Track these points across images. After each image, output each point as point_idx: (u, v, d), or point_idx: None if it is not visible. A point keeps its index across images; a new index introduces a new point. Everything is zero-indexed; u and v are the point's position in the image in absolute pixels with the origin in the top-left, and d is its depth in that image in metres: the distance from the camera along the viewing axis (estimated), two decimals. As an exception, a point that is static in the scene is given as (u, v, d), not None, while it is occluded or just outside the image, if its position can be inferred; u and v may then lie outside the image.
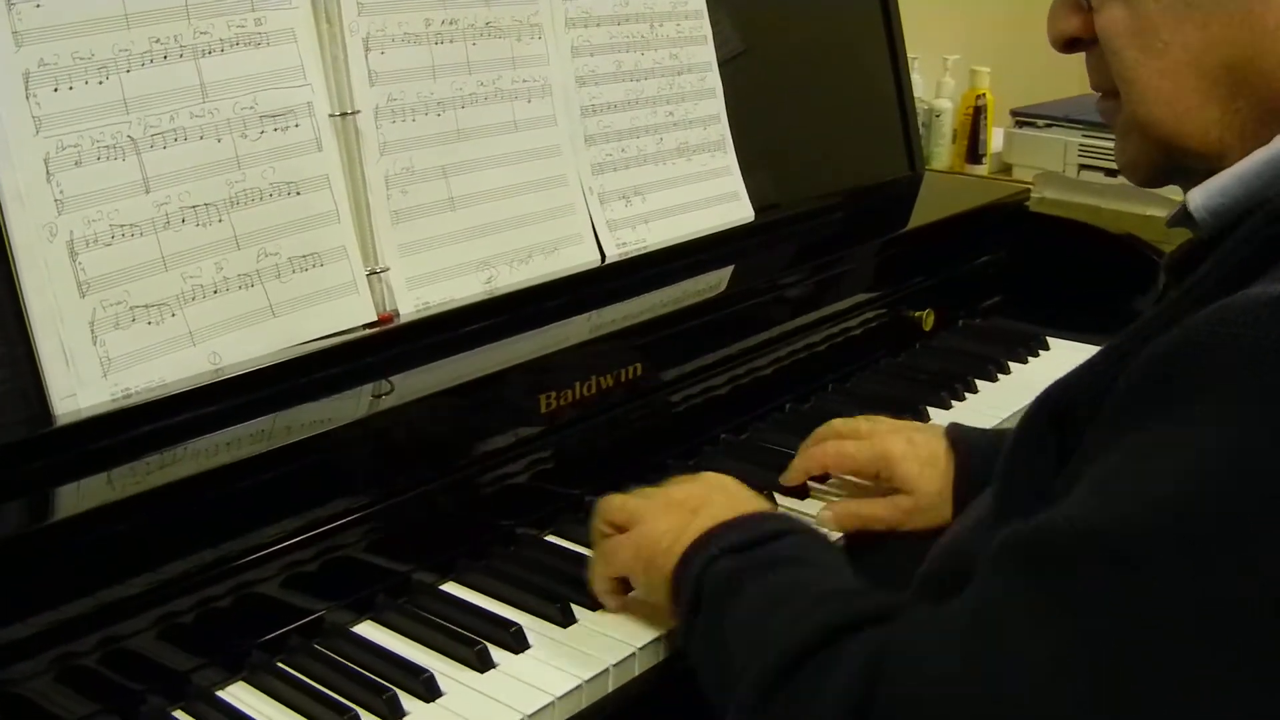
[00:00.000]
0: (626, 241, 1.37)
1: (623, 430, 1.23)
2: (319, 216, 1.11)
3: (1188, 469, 0.62)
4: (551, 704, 0.91)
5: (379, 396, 1.06)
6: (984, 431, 1.20)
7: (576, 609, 1.01)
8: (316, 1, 1.12)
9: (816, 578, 0.87)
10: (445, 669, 0.94)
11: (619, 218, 1.37)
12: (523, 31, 1.29)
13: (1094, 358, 0.76)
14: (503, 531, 1.12)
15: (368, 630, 1.00)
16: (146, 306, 0.99)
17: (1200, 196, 0.75)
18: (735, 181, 1.51)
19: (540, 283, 1.25)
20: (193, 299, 1.02)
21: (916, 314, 1.61)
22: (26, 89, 0.94)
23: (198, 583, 0.91)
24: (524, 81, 1.29)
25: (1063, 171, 2.50)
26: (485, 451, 1.10)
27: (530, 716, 0.90)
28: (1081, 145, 2.48)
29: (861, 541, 1.17)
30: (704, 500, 0.98)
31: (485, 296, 1.21)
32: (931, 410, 1.42)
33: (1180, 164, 0.79)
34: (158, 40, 1.01)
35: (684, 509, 0.97)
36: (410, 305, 1.17)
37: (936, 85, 2.61)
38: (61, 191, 0.95)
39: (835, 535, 1.16)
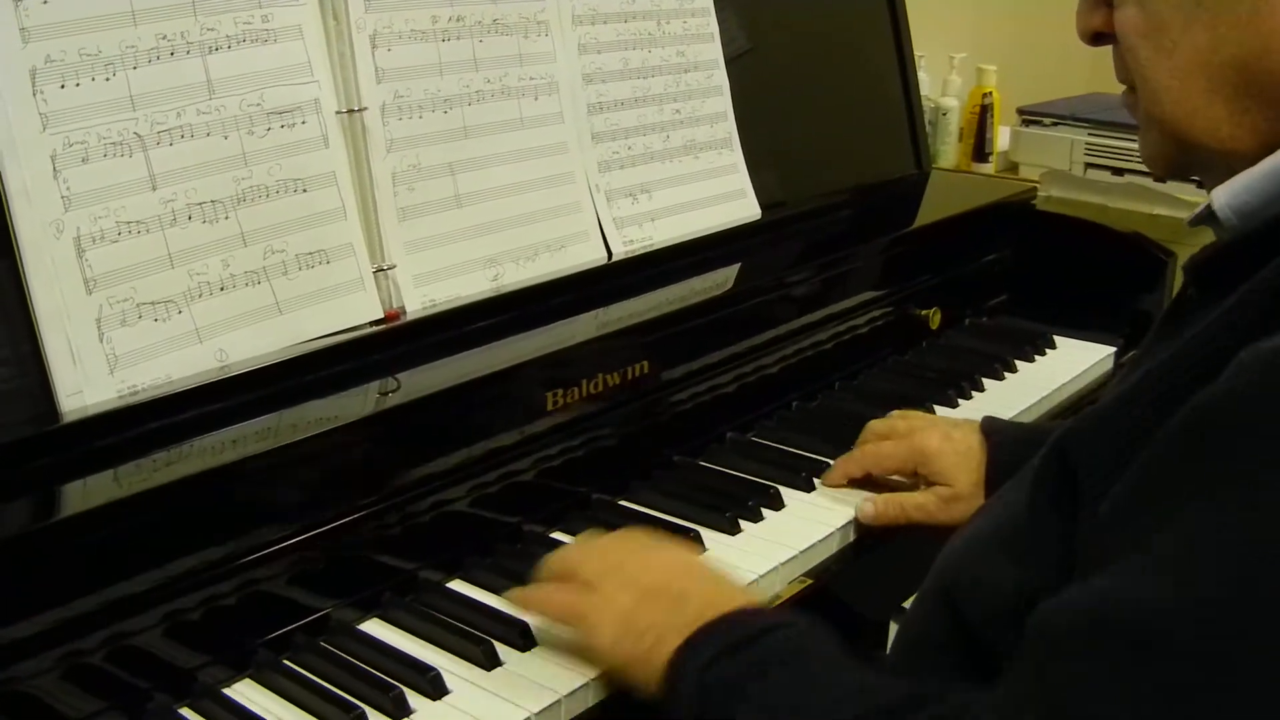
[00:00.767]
0: (633, 239, 1.37)
1: (629, 428, 1.22)
2: (326, 213, 1.10)
3: (1264, 536, 0.60)
4: (558, 702, 0.91)
5: (385, 394, 1.06)
6: (1018, 425, 1.21)
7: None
8: (324, -2, 1.12)
9: (834, 667, 0.82)
10: (452, 667, 0.94)
11: (625, 215, 1.37)
12: (530, 29, 1.29)
13: (1112, 401, 0.74)
14: (509, 529, 1.12)
15: (374, 628, 1.00)
16: (153, 303, 0.99)
17: (1225, 195, 0.74)
18: (742, 179, 1.51)
19: (547, 280, 1.25)
20: (199, 296, 1.02)
21: (923, 312, 1.61)
22: (33, 86, 0.93)
23: (204, 580, 0.91)
24: (531, 79, 1.29)
25: (1069, 170, 2.50)
26: (492, 449, 1.10)
27: (537, 714, 0.90)
28: (1088, 144, 2.48)
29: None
30: (681, 590, 0.91)
31: (492, 294, 1.21)
32: (939, 409, 1.42)
33: (1196, 158, 0.79)
34: (164, 37, 1.01)
35: (665, 597, 0.90)
36: (417, 302, 1.17)
37: (943, 83, 2.61)
38: (68, 188, 0.95)
39: (840, 524, 1.16)
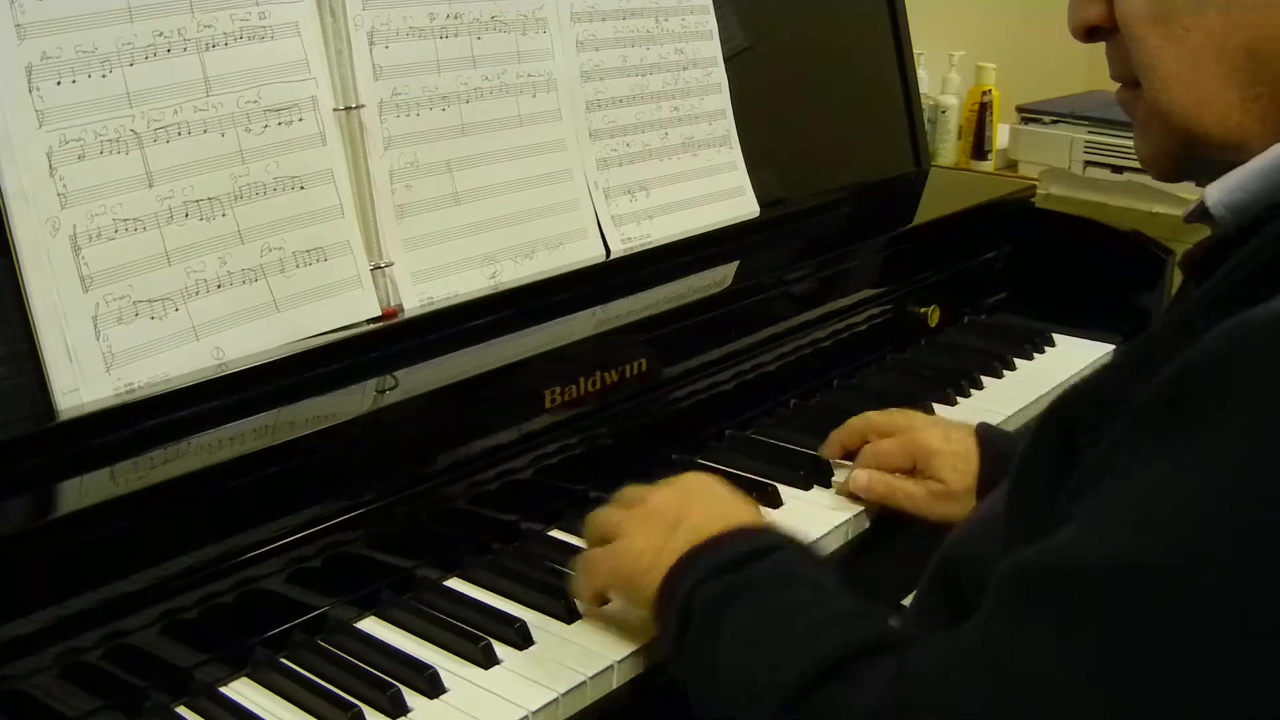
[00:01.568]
0: (631, 237, 1.37)
1: (628, 426, 1.22)
2: (323, 211, 1.10)
3: (1215, 491, 0.61)
4: (556, 700, 0.91)
5: (383, 392, 1.06)
6: (1010, 435, 1.22)
7: (581, 605, 1.01)
8: (321, -5, 1.12)
9: (807, 600, 0.83)
10: (449, 665, 0.94)
11: (624, 213, 1.37)
12: (528, 26, 1.29)
13: (1105, 366, 0.75)
14: (507, 527, 1.12)
15: (372, 626, 1.00)
16: (150, 301, 0.99)
17: (1218, 192, 0.74)
18: (740, 177, 1.50)
19: (545, 278, 1.25)
20: (196, 293, 1.02)
21: (922, 310, 1.61)
22: (29, 83, 0.93)
23: (201, 578, 0.91)
24: (529, 76, 1.28)
25: (1068, 168, 2.50)
26: (489, 447, 1.10)
27: (534, 713, 0.90)
28: (1087, 141, 2.48)
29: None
30: (682, 511, 0.95)
31: (490, 291, 1.21)
32: (938, 407, 1.42)
33: (1200, 156, 0.78)
34: (161, 34, 1.01)
35: (662, 523, 0.94)
36: (414, 300, 1.17)
37: (942, 81, 2.61)
38: (65, 186, 0.94)
39: (838, 522, 1.16)
